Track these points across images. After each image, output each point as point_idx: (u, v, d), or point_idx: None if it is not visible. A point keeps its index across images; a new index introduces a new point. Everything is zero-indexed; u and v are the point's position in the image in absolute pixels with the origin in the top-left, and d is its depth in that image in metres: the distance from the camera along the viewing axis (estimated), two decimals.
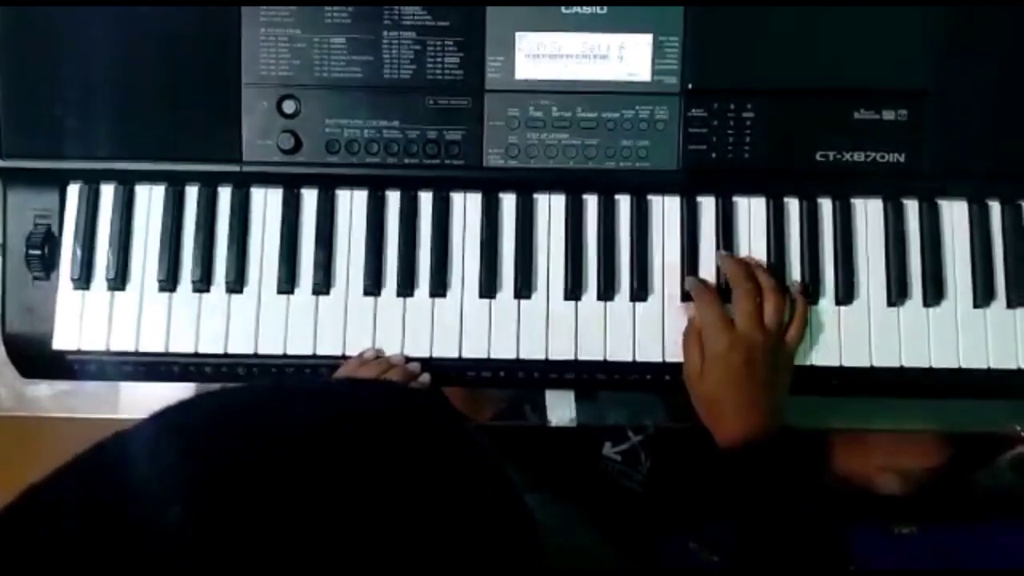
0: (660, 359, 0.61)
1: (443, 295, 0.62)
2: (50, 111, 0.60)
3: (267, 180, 0.62)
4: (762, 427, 0.56)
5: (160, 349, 0.61)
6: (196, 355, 0.61)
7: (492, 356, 0.61)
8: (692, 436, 0.60)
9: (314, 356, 0.61)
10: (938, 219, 0.63)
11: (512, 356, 0.61)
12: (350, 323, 0.62)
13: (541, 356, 0.61)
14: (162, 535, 0.22)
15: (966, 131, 0.61)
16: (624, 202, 0.63)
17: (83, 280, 0.61)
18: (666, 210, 0.63)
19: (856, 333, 0.61)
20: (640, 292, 0.62)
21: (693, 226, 0.63)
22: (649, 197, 0.63)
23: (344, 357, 0.61)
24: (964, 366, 0.61)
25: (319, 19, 0.60)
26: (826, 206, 0.63)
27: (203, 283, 0.62)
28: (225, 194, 0.63)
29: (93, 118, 0.60)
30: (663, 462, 0.82)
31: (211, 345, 0.61)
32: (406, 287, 0.62)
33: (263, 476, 0.24)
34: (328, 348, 0.61)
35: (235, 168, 0.61)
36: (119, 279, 0.61)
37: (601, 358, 0.61)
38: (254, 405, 0.28)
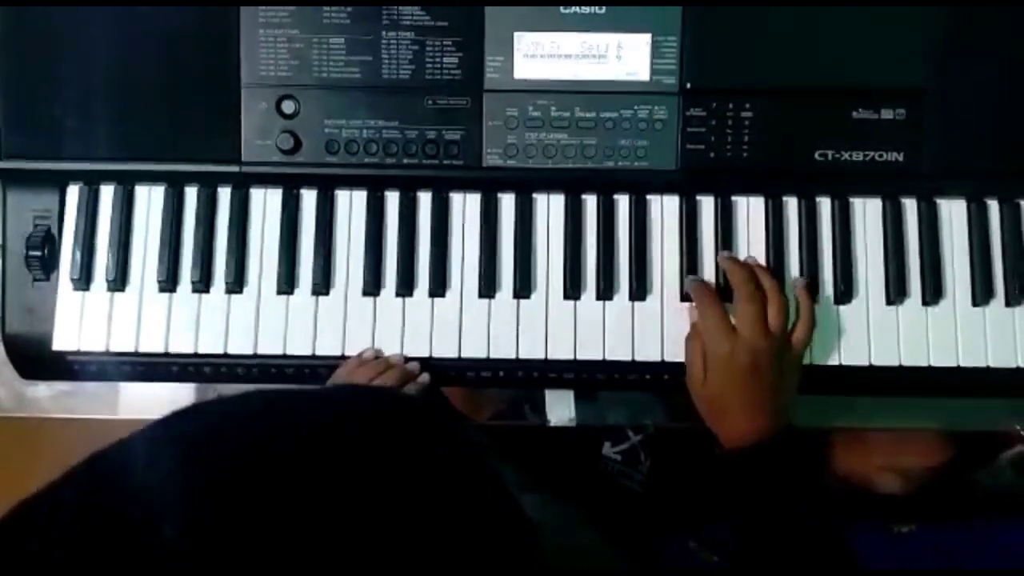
0: (659, 358, 0.61)
1: (442, 295, 0.62)
2: (50, 112, 0.60)
3: (266, 180, 0.62)
4: (768, 429, 0.56)
5: (160, 349, 0.61)
6: (196, 355, 0.61)
7: (491, 356, 0.61)
8: (692, 436, 0.60)
9: (313, 356, 0.61)
10: (937, 218, 0.63)
11: (511, 356, 0.61)
12: (349, 323, 0.62)
13: (540, 356, 0.61)
14: (161, 545, 0.22)
15: (965, 130, 0.61)
16: (623, 202, 0.63)
17: (83, 281, 0.61)
18: (665, 210, 0.63)
19: (855, 332, 0.62)
20: (639, 292, 0.62)
21: (692, 226, 0.63)
22: (648, 197, 0.63)
23: (343, 357, 0.61)
24: (963, 365, 0.61)
25: (317, 19, 0.60)
26: (825, 205, 0.63)
27: (203, 283, 0.62)
28: (224, 194, 0.63)
29: (93, 119, 0.60)
30: (663, 462, 0.81)
31: (211, 345, 0.61)
32: (405, 287, 0.62)
33: (263, 483, 0.24)
34: (327, 348, 0.61)
35: (234, 168, 0.61)
36: (119, 280, 0.62)
37: (600, 358, 0.61)
38: (252, 412, 0.29)
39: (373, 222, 0.62)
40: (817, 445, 0.81)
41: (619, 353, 0.61)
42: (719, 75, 0.61)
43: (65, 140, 0.61)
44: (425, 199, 0.63)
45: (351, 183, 0.63)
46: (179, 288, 0.62)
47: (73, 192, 0.62)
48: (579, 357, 0.61)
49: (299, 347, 0.61)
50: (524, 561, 0.28)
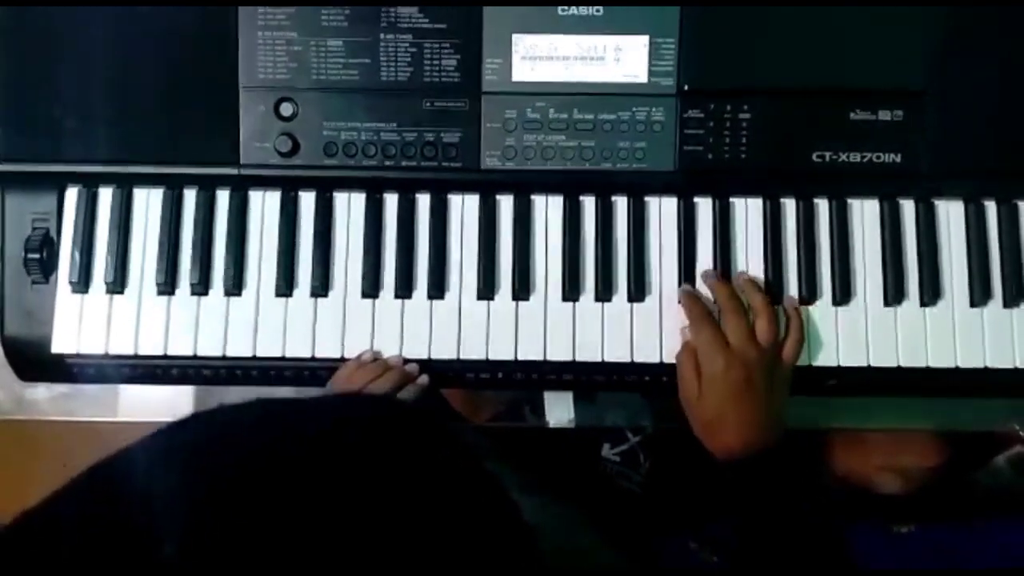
0: (658, 360, 0.61)
1: (441, 297, 0.62)
2: (48, 114, 0.60)
3: (265, 183, 0.62)
4: (762, 441, 0.56)
5: (159, 352, 0.61)
6: (195, 358, 0.61)
7: (490, 357, 0.61)
8: (691, 437, 0.60)
9: (312, 358, 0.61)
10: (934, 219, 0.63)
11: (510, 357, 0.61)
12: (348, 325, 0.62)
13: (539, 357, 0.61)
14: (163, 558, 0.22)
15: (962, 131, 0.61)
16: (621, 203, 0.63)
17: (82, 283, 0.61)
18: (663, 211, 0.63)
19: (853, 333, 0.62)
20: (638, 293, 0.62)
21: (690, 227, 0.63)
22: (646, 198, 0.63)
23: (342, 359, 0.61)
24: (961, 365, 0.61)
25: (316, 22, 0.60)
26: (823, 206, 0.63)
27: (201, 286, 0.62)
28: (223, 197, 0.63)
29: (91, 121, 0.60)
30: (662, 463, 0.81)
31: (210, 348, 0.61)
32: (404, 289, 0.62)
33: (264, 492, 0.24)
34: (326, 350, 0.61)
35: (233, 171, 0.61)
36: (117, 282, 0.62)
37: (599, 359, 0.61)
38: (252, 421, 0.29)
39: (372, 224, 0.62)
40: (816, 446, 0.81)
41: (618, 354, 0.61)
42: (717, 76, 0.61)
43: (64, 142, 0.61)
44: (424, 201, 0.63)
45: (350, 185, 0.63)
46: (178, 290, 0.62)
47: (72, 194, 0.62)
48: (578, 359, 0.61)
49: (298, 349, 0.61)
50: (523, 564, 0.28)
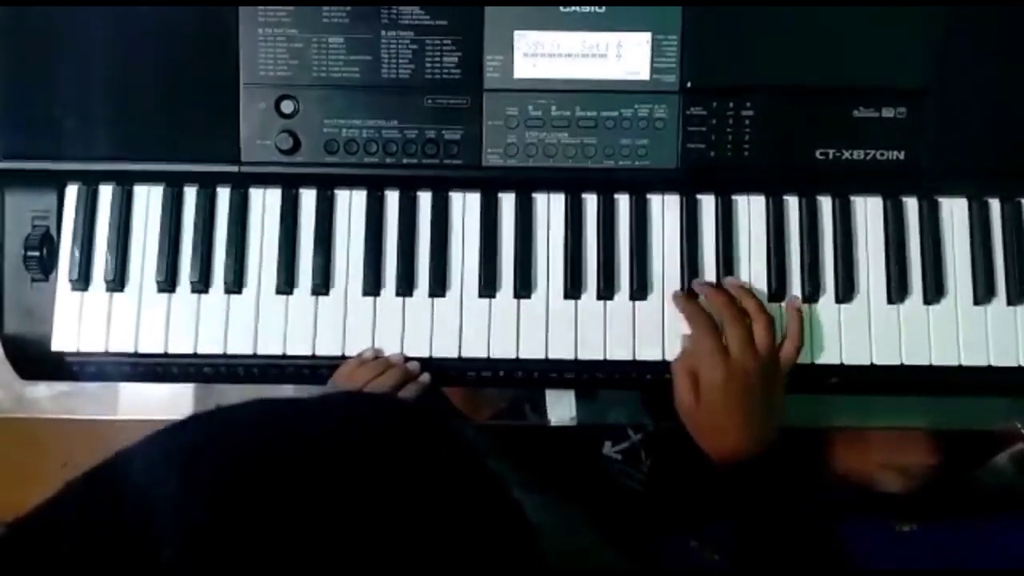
0: (660, 358, 0.61)
1: (442, 295, 0.62)
2: (48, 112, 0.60)
3: (265, 180, 0.62)
4: (759, 444, 0.56)
5: (159, 350, 0.61)
6: (195, 356, 0.61)
7: (492, 356, 0.61)
8: (691, 436, 0.60)
9: (313, 356, 0.61)
10: (938, 217, 0.63)
11: (512, 355, 0.61)
12: (349, 323, 0.61)
13: (541, 355, 0.61)
14: (162, 561, 0.22)
15: (966, 129, 0.61)
16: (623, 201, 0.63)
17: (82, 281, 0.61)
18: (665, 209, 0.63)
19: (856, 331, 0.61)
20: (639, 291, 0.62)
21: (693, 225, 0.62)
22: (648, 196, 0.63)
23: (343, 357, 0.61)
24: (965, 363, 0.61)
25: (317, 19, 0.60)
26: (826, 204, 0.63)
27: (202, 284, 0.61)
28: (224, 194, 0.62)
29: (91, 119, 0.60)
30: (664, 461, 0.81)
31: (210, 346, 0.61)
32: (405, 287, 0.62)
33: (264, 493, 0.24)
34: (327, 348, 0.61)
35: (233, 168, 0.61)
36: (118, 280, 0.61)
37: (601, 357, 0.61)
38: (252, 422, 0.28)
39: (373, 222, 0.62)
40: (816, 444, 0.81)
41: (620, 353, 0.61)
42: (720, 74, 0.61)
43: (64, 140, 0.60)
44: (425, 199, 0.63)
45: (350, 183, 0.62)
46: (178, 288, 0.62)
47: (72, 192, 0.62)
48: (580, 357, 0.61)
49: (299, 347, 0.61)
50: (525, 563, 0.27)
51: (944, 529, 0.73)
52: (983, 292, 0.62)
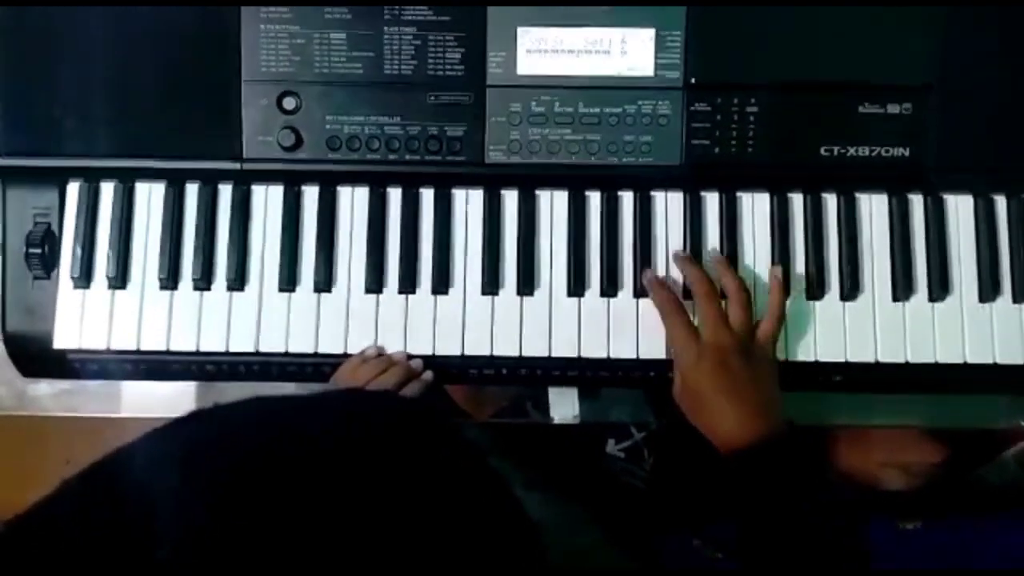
0: (664, 356, 0.61)
1: (445, 292, 0.62)
2: (50, 109, 0.60)
3: (268, 177, 0.62)
4: (758, 428, 0.55)
5: (161, 347, 0.61)
6: (197, 353, 0.61)
7: (495, 353, 0.61)
8: (696, 432, 0.59)
9: (316, 354, 0.61)
10: (943, 214, 0.62)
11: (515, 353, 0.61)
12: (352, 321, 0.61)
13: (544, 353, 0.61)
14: (160, 557, 0.22)
15: (972, 125, 0.61)
16: (627, 198, 0.63)
17: (83, 279, 0.61)
18: (669, 206, 0.62)
19: (861, 328, 0.61)
20: (643, 289, 0.61)
21: (697, 222, 0.62)
22: (652, 193, 0.63)
23: (346, 355, 0.61)
24: (970, 361, 0.61)
25: (319, 15, 0.60)
26: (830, 201, 0.63)
27: (204, 281, 0.61)
28: (225, 192, 0.62)
29: (93, 116, 0.60)
30: (667, 459, 0.81)
31: (212, 343, 0.61)
32: (408, 284, 0.61)
33: (264, 492, 0.24)
34: (329, 346, 0.61)
35: (235, 165, 0.61)
36: (119, 277, 0.61)
37: (604, 355, 0.61)
38: (252, 420, 0.28)
39: (375, 219, 0.62)
40: (819, 441, 0.80)
41: (623, 350, 0.61)
42: (724, 70, 0.60)
43: (65, 137, 0.60)
44: (428, 196, 0.62)
45: (353, 180, 0.62)
46: (180, 286, 0.62)
47: (73, 189, 0.62)
48: (583, 355, 0.61)
49: (301, 345, 0.61)
50: (526, 562, 0.27)
51: (947, 528, 0.73)
52: (989, 289, 0.61)
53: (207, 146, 0.61)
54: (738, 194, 0.62)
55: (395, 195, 0.62)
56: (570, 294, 0.62)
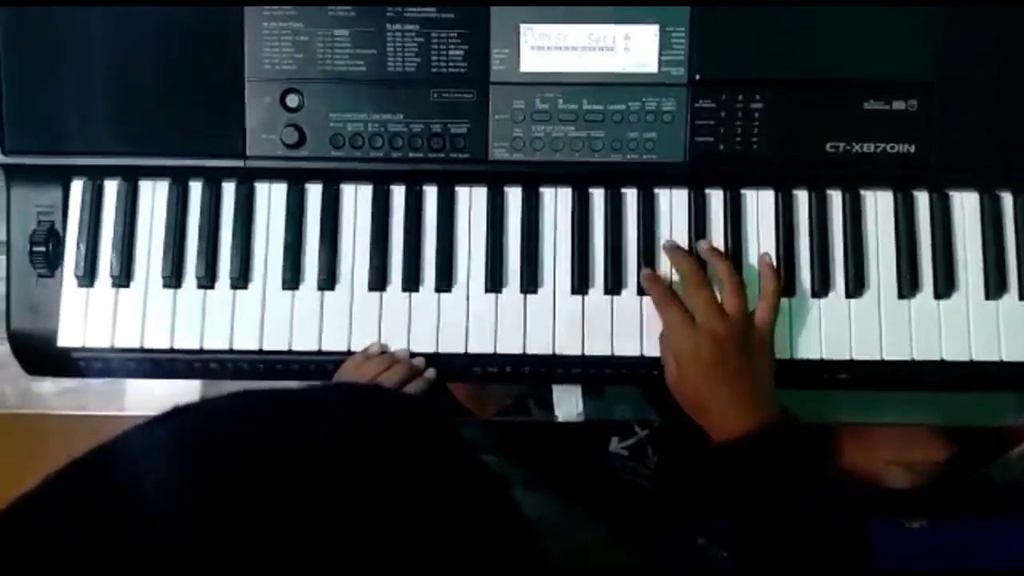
0: None
1: (448, 290, 0.61)
2: (53, 107, 0.60)
3: (271, 175, 0.62)
4: (755, 419, 0.54)
5: (165, 345, 0.61)
6: (201, 351, 0.61)
7: (498, 351, 0.61)
8: (699, 430, 0.59)
9: (319, 352, 0.61)
10: (949, 210, 0.62)
11: (518, 351, 0.61)
12: (355, 318, 0.61)
13: (548, 351, 0.61)
14: (163, 546, 0.22)
15: (977, 122, 0.60)
16: (631, 195, 0.62)
17: (87, 277, 0.61)
18: (673, 203, 0.62)
19: (867, 326, 0.61)
20: None
21: (701, 219, 0.62)
22: (656, 190, 0.62)
23: (349, 352, 0.61)
24: (976, 358, 0.60)
25: (322, 13, 0.60)
26: (836, 198, 0.62)
27: (207, 279, 0.61)
28: (229, 189, 0.62)
29: (96, 114, 0.60)
30: (670, 457, 0.81)
31: (216, 341, 0.61)
32: (411, 282, 0.61)
33: (259, 487, 0.23)
34: (333, 344, 0.61)
35: (239, 163, 0.61)
36: (123, 276, 0.61)
37: (608, 353, 0.61)
38: (254, 412, 0.28)
39: (378, 217, 0.62)
40: (824, 440, 0.80)
41: (627, 348, 0.61)
42: (728, 66, 0.60)
43: (69, 135, 0.60)
44: (431, 193, 0.62)
45: (356, 177, 0.62)
46: (184, 284, 0.62)
47: (77, 187, 0.62)
48: (587, 352, 0.61)
49: (305, 343, 0.61)
50: (523, 562, 0.27)
51: (953, 527, 0.73)
52: (995, 286, 0.61)
53: (211, 144, 0.61)
54: (742, 191, 0.62)
55: (398, 193, 0.62)
56: (574, 292, 0.61)
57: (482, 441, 0.73)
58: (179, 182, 0.62)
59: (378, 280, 0.61)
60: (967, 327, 0.61)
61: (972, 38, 0.60)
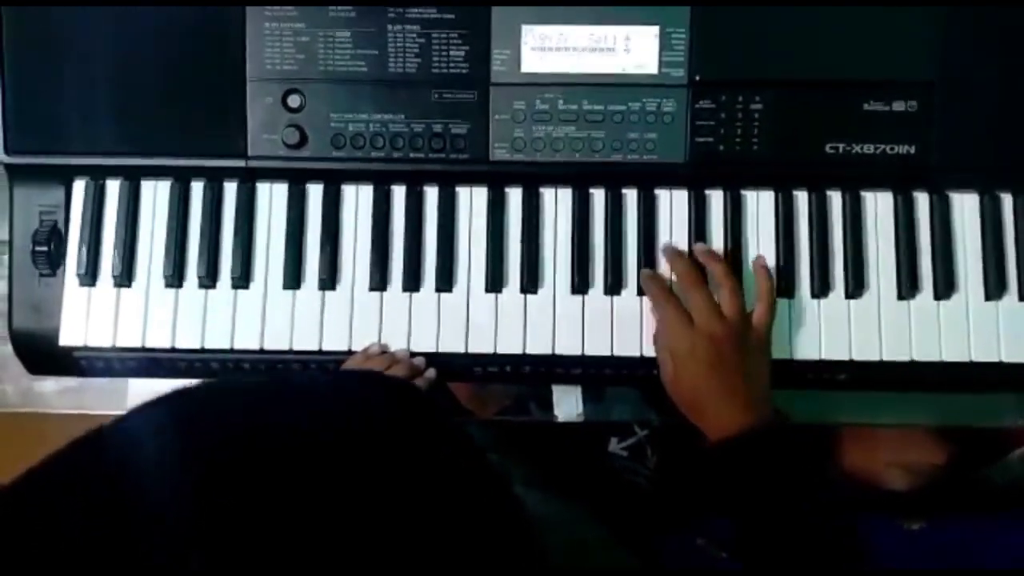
0: None
1: (449, 290, 0.62)
2: (56, 107, 0.60)
3: (272, 175, 0.62)
4: (749, 419, 0.54)
5: (166, 345, 0.61)
6: (202, 351, 0.61)
7: (498, 351, 0.61)
8: (698, 431, 0.59)
9: (320, 352, 0.61)
10: (949, 211, 0.62)
11: (519, 351, 0.61)
12: (356, 318, 0.61)
13: (548, 351, 0.61)
14: (161, 534, 0.22)
15: (977, 122, 0.60)
16: (631, 196, 0.62)
17: (89, 276, 0.61)
18: (673, 204, 0.62)
19: (866, 326, 0.61)
20: None
21: (701, 220, 0.62)
22: (656, 191, 0.62)
23: (350, 352, 0.61)
24: (976, 359, 0.60)
25: (323, 14, 0.60)
26: (835, 199, 0.62)
27: (209, 279, 0.61)
28: (230, 189, 0.62)
29: (98, 114, 0.60)
30: (670, 458, 0.81)
31: (217, 341, 0.61)
32: (412, 282, 0.61)
33: (265, 474, 0.24)
34: (334, 343, 0.61)
35: (240, 163, 0.61)
36: (125, 275, 0.61)
37: (608, 353, 0.61)
38: (256, 398, 0.28)
39: (379, 217, 0.62)
40: (824, 441, 0.80)
41: (627, 348, 0.61)
42: (728, 67, 0.60)
43: (71, 135, 0.60)
44: (432, 193, 0.63)
45: (357, 177, 0.62)
46: (185, 283, 0.62)
47: (79, 187, 0.62)
48: (587, 352, 0.61)
49: (306, 342, 0.61)
50: (524, 560, 0.27)
51: (953, 527, 0.73)
52: (994, 287, 0.61)
53: (212, 144, 0.61)
54: (742, 192, 0.62)
55: (399, 193, 0.63)
56: (574, 292, 0.61)
57: (482, 441, 0.73)
58: (181, 182, 0.62)
59: (379, 280, 0.61)
60: (967, 328, 0.61)
61: (972, 38, 0.60)
